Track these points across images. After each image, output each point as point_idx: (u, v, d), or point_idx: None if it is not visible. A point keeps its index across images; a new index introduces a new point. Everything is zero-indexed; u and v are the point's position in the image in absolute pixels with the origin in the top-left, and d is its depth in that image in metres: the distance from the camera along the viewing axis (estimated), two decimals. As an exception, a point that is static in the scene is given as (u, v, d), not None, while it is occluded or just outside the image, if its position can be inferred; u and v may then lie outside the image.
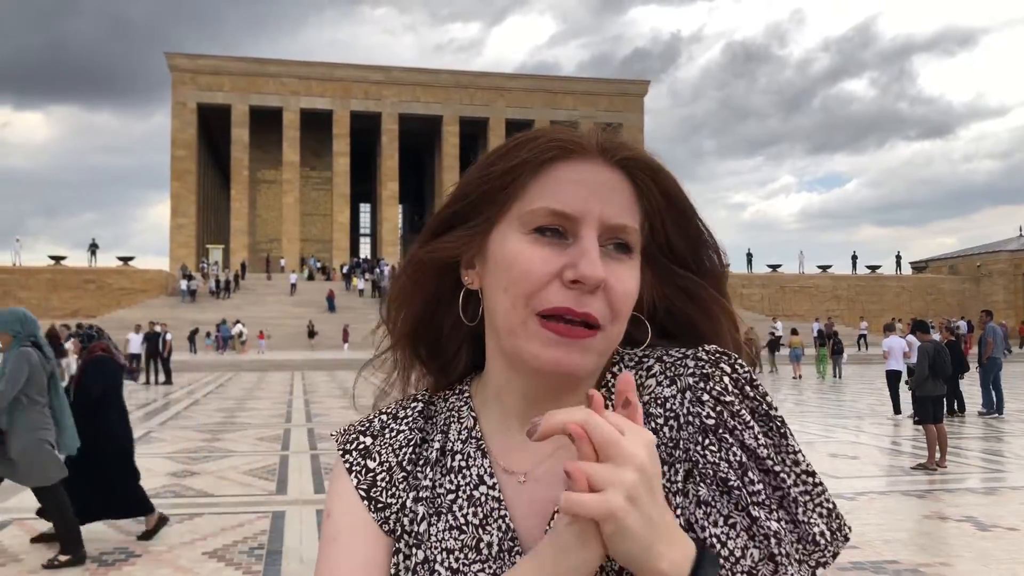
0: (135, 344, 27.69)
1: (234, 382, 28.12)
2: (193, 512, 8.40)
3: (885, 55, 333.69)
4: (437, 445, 0.97)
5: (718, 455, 0.84)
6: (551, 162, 0.90)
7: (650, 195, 0.93)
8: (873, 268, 72.25)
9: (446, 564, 0.89)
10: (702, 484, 0.84)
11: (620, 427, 0.74)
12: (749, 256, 71.91)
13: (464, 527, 0.90)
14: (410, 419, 1.00)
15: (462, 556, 0.89)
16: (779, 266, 69.42)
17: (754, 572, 0.81)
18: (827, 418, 16.97)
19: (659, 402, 0.89)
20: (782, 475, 0.85)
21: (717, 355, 0.89)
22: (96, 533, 7.47)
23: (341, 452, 0.99)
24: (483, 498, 0.91)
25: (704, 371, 0.88)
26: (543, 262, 0.86)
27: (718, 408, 0.86)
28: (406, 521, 0.93)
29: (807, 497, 0.86)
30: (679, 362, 0.91)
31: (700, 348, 0.91)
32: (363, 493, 0.95)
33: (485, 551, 0.88)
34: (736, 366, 0.89)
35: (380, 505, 0.95)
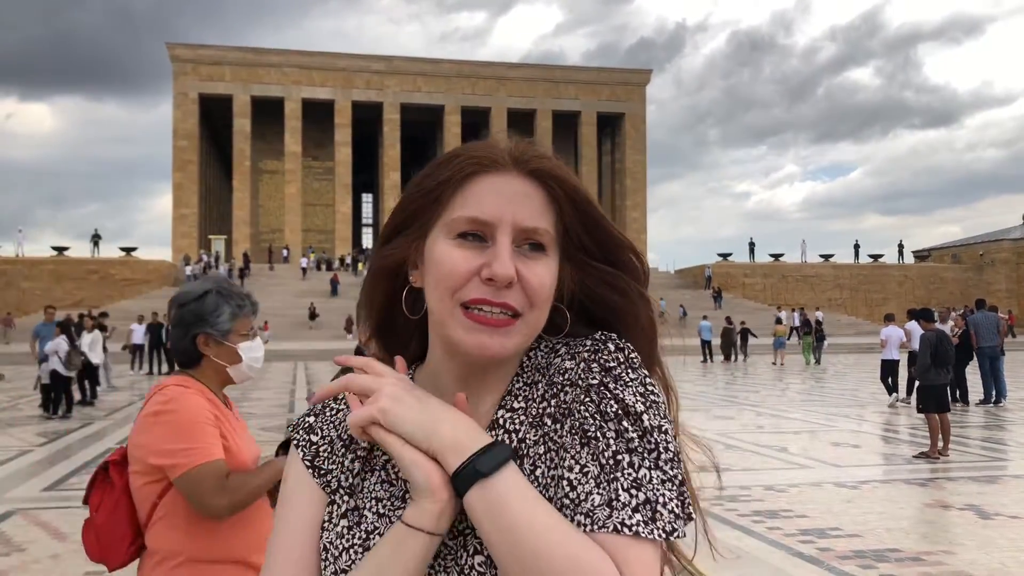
0: (138, 335, 27.75)
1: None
2: (197, 502, 8.41)
3: (891, 43, 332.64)
4: None
5: (591, 408, 0.99)
6: (471, 176, 1.05)
7: (560, 201, 1.06)
8: (875, 257, 72.15)
9: (374, 510, 1.04)
10: (568, 433, 0.99)
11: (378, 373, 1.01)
12: (751, 245, 71.86)
13: (394, 481, 1.05)
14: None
15: (389, 503, 1.04)
16: (781, 255, 69.35)
17: (592, 514, 0.93)
18: (829, 407, 16.98)
19: (561, 372, 1.05)
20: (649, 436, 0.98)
21: (607, 336, 1.06)
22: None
23: (291, 430, 1.15)
24: None
25: (595, 347, 1.04)
26: (464, 261, 1.01)
27: (602, 372, 1.01)
28: (343, 478, 1.08)
29: (671, 469, 0.97)
30: (579, 342, 1.07)
31: (598, 333, 1.07)
32: (308, 463, 1.10)
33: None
34: (624, 347, 1.04)
35: (322, 471, 1.10)
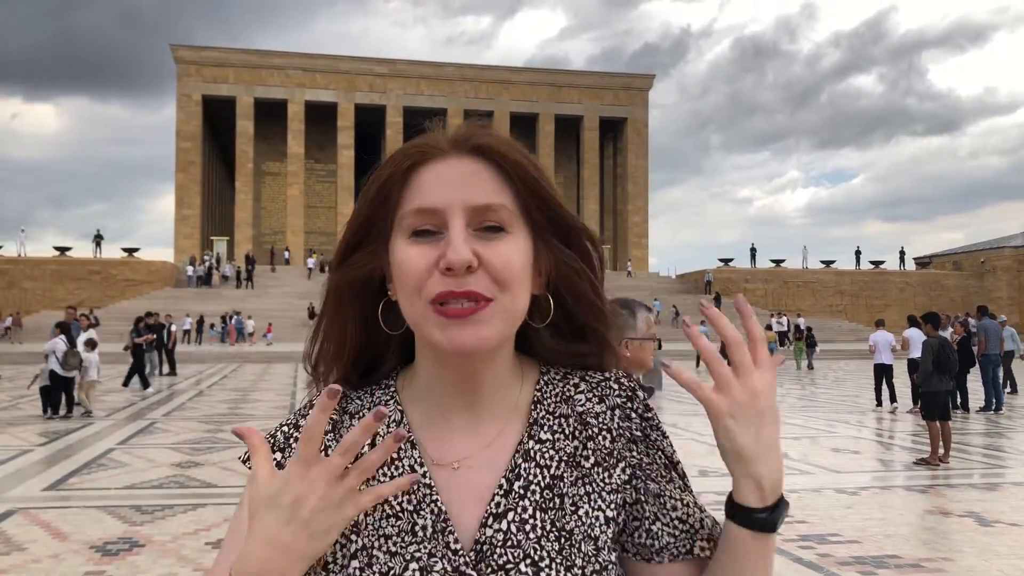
0: None
1: (239, 373, 28.17)
2: (196, 503, 8.43)
3: (895, 50, 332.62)
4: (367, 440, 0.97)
5: (649, 460, 1.03)
6: (413, 168, 1.00)
7: (512, 177, 1.00)
8: (877, 264, 72.07)
9: (384, 548, 0.97)
10: (650, 480, 1.02)
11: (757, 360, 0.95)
12: (752, 251, 71.79)
13: (400, 514, 0.98)
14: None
15: (399, 540, 0.97)
16: (783, 261, 69.28)
17: (673, 548, 1.01)
18: (829, 412, 16.95)
19: (593, 415, 1.04)
20: (686, 479, 1.05)
21: (631, 382, 1.07)
22: (100, 522, 7.51)
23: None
24: (416, 486, 0.99)
25: (626, 394, 1.05)
26: (420, 257, 0.96)
27: (642, 423, 1.04)
28: None
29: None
30: (603, 384, 1.07)
31: (616, 374, 1.08)
32: None
33: (420, 533, 0.97)
34: (640, 391, 1.07)
35: None
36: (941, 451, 10.94)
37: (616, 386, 1.06)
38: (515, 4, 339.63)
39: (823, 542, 6.97)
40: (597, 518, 0.99)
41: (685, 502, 1.02)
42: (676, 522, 1.01)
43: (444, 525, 0.97)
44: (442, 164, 0.99)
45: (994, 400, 17.31)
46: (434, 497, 0.98)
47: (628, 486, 1.01)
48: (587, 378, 1.08)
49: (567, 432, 1.03)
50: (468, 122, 1.06)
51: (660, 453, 1.03)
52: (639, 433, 1.03)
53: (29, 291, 53.90)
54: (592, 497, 1.00)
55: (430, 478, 1.00)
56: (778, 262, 69.08)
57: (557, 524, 0.97)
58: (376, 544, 0.97)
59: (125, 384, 21.57)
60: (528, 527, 0.96)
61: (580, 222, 1.07)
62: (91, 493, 8.99)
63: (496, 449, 1.02)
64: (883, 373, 17.99)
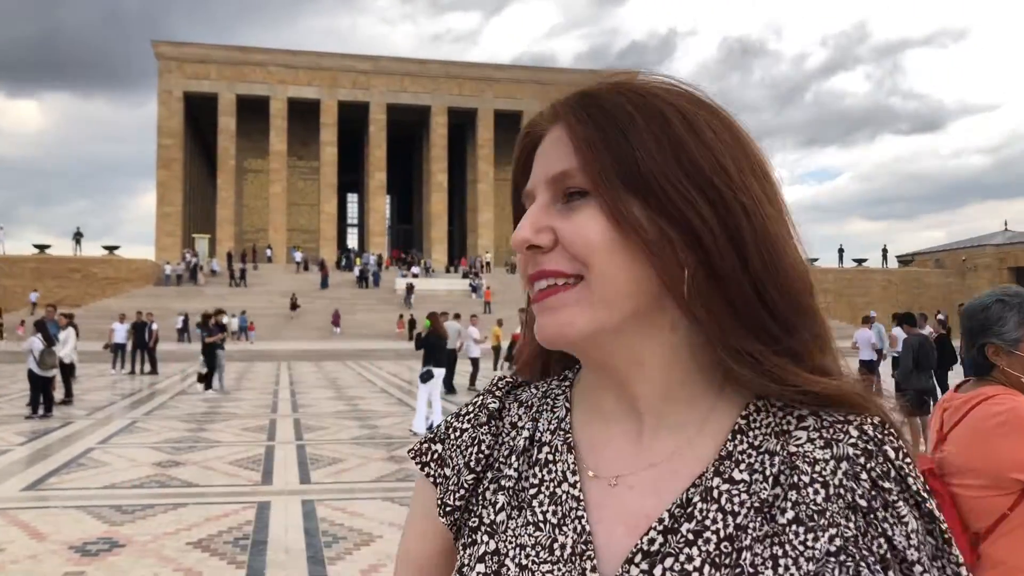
0: (119, 334, 27.53)
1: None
2: (178, 502, 8.36)
3: (879, 49, 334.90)
4: (526, 433, 0.92)
5: (867, 541, 0.77)
6: (530, 149, 0.91)
7: (590, 135, 0.82)
8: (859, 262, 72.57)
9: (516, 560, 0.84)
10: (862, 566, 0.75)
11: None
12: (736, 249, 72.12)
13: (542, 524, 0.85)
14: (471, 415, 0.97)
15: (533, 554, 0.84)
16: (766, 259, 69.58)
17: None
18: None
19: (808, 461, 0.80)
20: None
21: (883, 434, 0.81)
22: (80, 522, 7.44)
23: (419, 466, 0.98)
24: (564, 496, 0.86)
25: (867, 447, 0.80)
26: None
27: (873, 491, 0.78)
28: (485, 515, 0.89)
29: None
30: (837, 425, 0.82)
31: (865, 418, 0.82)
32: (439, 502, 0.94)
33: (558, 552, 0.83)
34: (901, 452, 0.81)
35: (452, 510, 0.92)
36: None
37: (855, 432, 0.81)
38: (502, 1, 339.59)
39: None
40: None
41: None
42: None
43: (585, 548, 0.82)
44: (549, 135, 0.88)
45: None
46: (579, 513, 0.84)
47: (834, 561, 0.76)
48: (821, 412, 0.83)
49: (767, 474, 0.80)
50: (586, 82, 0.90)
51: (880, 540, 0.77)
52: (863, 502, 0.78)
53: (8, 289, 53.38)
54: (781, 563, 0.76)
55: (580, 490, 0.86)
56: (761, 260, 69.39)
57: None
58: (510, 552, 0.85)
59: (208, 387, 19.96)
60: None
61: (720, 173, 0.81)
62: (71, 493, 8.90)
63: (664, 473, 0.84)
64: (868, 370, 18.13)
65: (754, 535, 0.78)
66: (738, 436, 0.83)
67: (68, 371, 17.88)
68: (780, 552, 0.77)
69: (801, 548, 0.76)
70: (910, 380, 11.43)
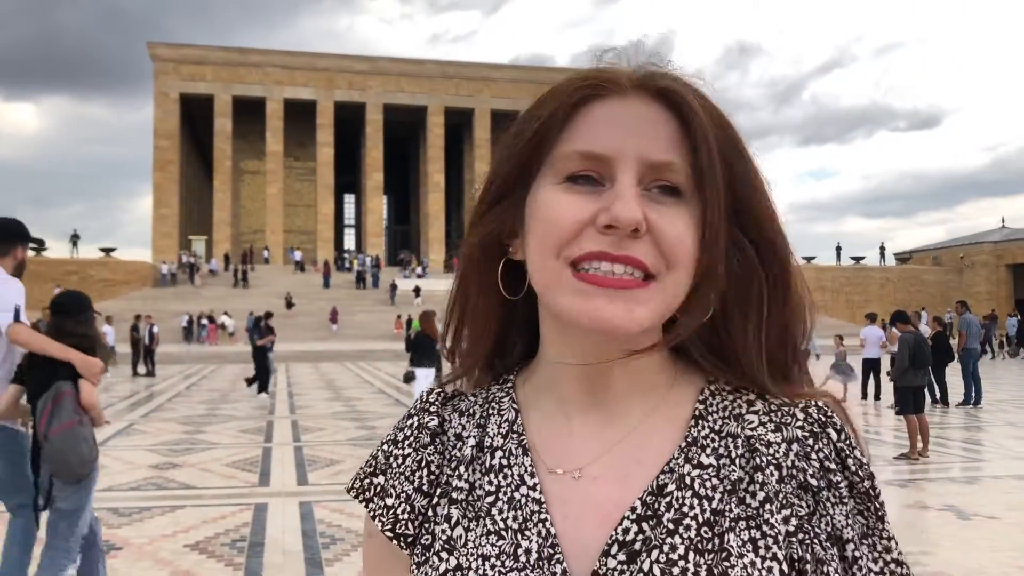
0: (109, 337, 27.47)
1: (218, 374, 27.98)
2: (175, 504, 8.35)
3: (877, 48, 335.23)
4: (472, 441, 0.89)
5: (815, 520, 0.79)
6: (581, 104, 0.82)
7: (696, 135, 0.79)
8: (857, 259, 72.64)
9: (481, 572, 0.81)
10: (816, 545, 0.77)
11: None
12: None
13: (504, 532, 0.82)
14: (411, 438, 0.92)
15: (499, 564, 0.80)
16: (763, 257, 69.69)
17: None
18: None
19: (764, 443, 0.81)
20: (863, 562, 0.79)
21: (827, 416, 0.83)
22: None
23: (365, 504, 0.93)
24: (523, 500, 0.83)
25: (813, 429, 0.82)
26: (573, 207, 0.78)
27: (820, 472, 0.80)
28: (438, 531, 0.86)
29: None
30: (784, 409, 0.84)
31: (808, 403, 0.84)
32: (389, 534, 0.89)
33: (523, 558, 0.80)
34: (843, 433, 0.82)
35: (407, 538, 0.89)
36: (920, 445, 11.02)
37: (801, 415, 0.83)
38: (500, 1, 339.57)
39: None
40: (770, 569, 0.75)
41: None
42: None
43: (552, 552, 0.79)
44: (618, 104, 0.80)
45: (973, 394, 17.50)
46: (543, 516, 0.81)
47: (794, 540, 0.77)
48: (767, 398, 0.85)
49: (733, 457, 0.81)
50: (649, 62, 0.85)
51: (825, 519, 0.78)
52: (814, 482, 0.79)
53: (5, 292, 53.31)
54: (761, 544, 0.76)
55: (541, 491, 0.83)
56: (758, 258, 69.49)
57: (716, 571, 0.75)
58: (472, 565, 0.81)
59: (263, 390, 19.51)
60: (677, 570, 0.75)
61: (778, 221, 0.85)
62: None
63: (629, 461, 0.83)
64: (871, 368, 18.13)
65: (731, 518, 0.78)
66: (700, 421, 0.83)
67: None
68: (758, 535, 0.77)
69: (776, 529, 0.77)
70: (906, 377, 11.44)
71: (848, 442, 0.82)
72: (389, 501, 0.90)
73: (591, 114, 0.81)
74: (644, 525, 0.78)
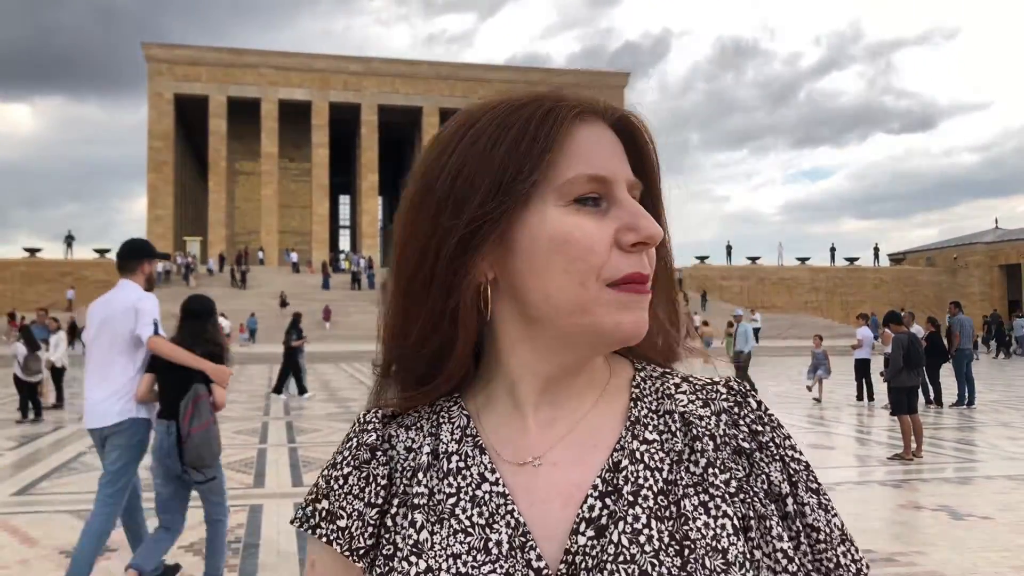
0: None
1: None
2: (169, 506, 8.32)
3: (872, 48, 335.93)
4: (427, 449, 0.91)
5: (752, 479, 0.87)
6: (571, 126, 0.86)
7: (646, 159, 0.92)
8: (851, 260, 72.80)
9: (453, 570, 0.83)
10: (757, 503, 0.86)
11: None
12: (728, 248, 72.28)
13: (470, 529, 0.85)
14: (350, 458, 0.93)
15: (470, 559, 0.83)
16: (758, 258, 69.79)
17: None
18: (804, 408, 17.08)
19: (696, 417, 0.90)
20: (808, 509, 0.87)
21: (745, 388, 0.93)
22: (71, 527, 7.41)
23: (309, 531, 0.92)
24: (486, 496, 0.87)
25: (737, 399, 0.91)
26: (600, 231, 0.84)
27: (750, 436, 0.89)
28: (399, 540, 0.87)
29: (824, 540, 0.87)
30: (708, 387, 0.93)
31: (725, 380, 0.95)
32: (348, 555, 0.89)
33: (495, 550, 0.83)
34: (760, 401, 0.93)
35: (362, 551, 0.89)
36: (914, 446, 11.05)
37: (724, 390, 0.92)
38: (497, 2, 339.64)
39: (798, 538, 7.00)
40: (723, 526, 0.82)
41: (783, 550, 0.84)
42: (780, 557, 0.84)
43: (524, 540, 0.83)
44: (598, 128, 0.88)
45: (966, 395, 17.55)
46: (510, 507, 0.85)
47: (736, 500, 0.85)
48: (690, 379, 0.94)
49: (673, 430, 0.89)
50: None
51: (762, 476, 0.87)
52: (746, 445, 0.88)
53: (-1, 293, 53.17)
54: (711, 505, 0.84)
55: (504, 485, 0.87)
56: (754, 259, 69.60)
57: (677, 536, 0.81)
58: (443, 565, 0.83)
59: (304, 391, 19.62)
60: (643, 538, 0.80)
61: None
62: (62, 497, 8.86)
63: (585, 446, 0.89)
64: (862, 368, 18.24)
65: (683, 485, 0.85)
66: (638, 403, 0.91)
67: (58, 375, 17.82)
68: (706, 498, 0.84)
69: (722, 489, 0.85)
70: (899, 378, 11.47)
71: (765, 408, 0.92)
72: (341, 523, 0.90)
73: (581, 137, 0.86)
74: (607, 500, 0.84)
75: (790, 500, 0.86)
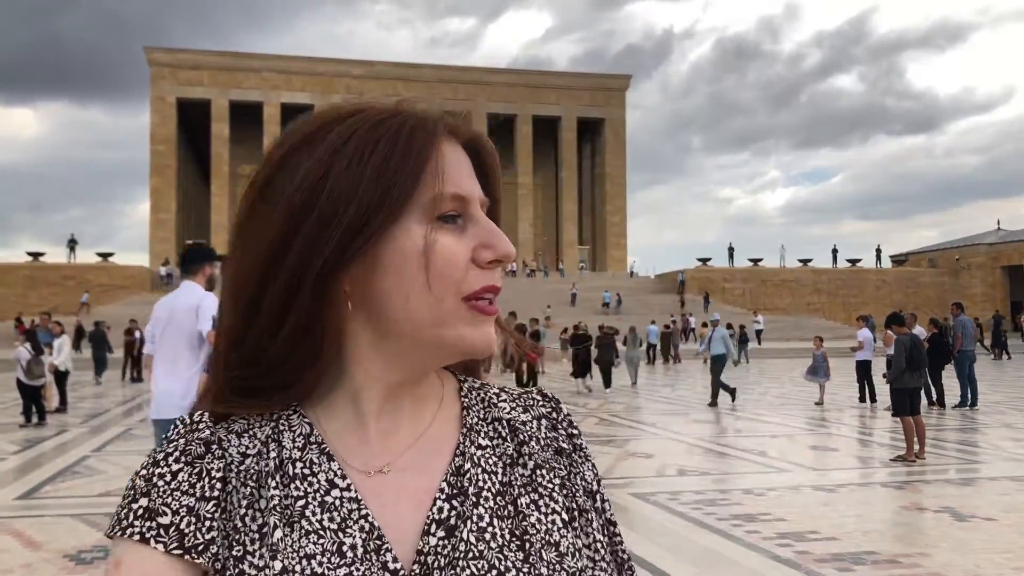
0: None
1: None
2: (173, 509, 8.33)
3: (875, 50, 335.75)
4: (274, 455, 0.88)
5: (572, 477, 0.97)
6: (439, 145, 0.87)
7: (484, 173, 0.94)
8: (853, 262, 72.73)
9: (308, 571, 0.81)
10: (578, 497, 0.96)
11: None
12: (731, 250, 72.24)
13: (322, 532, 0.84)
14: (180, 451, 0.88)
15: (325, 560, 0.82)
16: (761, 260, 69.75)
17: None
18: (807, 410, 17.07)
19: (520, 423, 0.98)
20: (606, 505, 0.99)
21: (554, 397, 1.03)
22: (74, 531, 7.42)
23: (122, 533, 0.84)
24: (337, 502, 0.86)
25: (551, 405, 1.01)
26: (460, 247, 0.86)
27: (567, 438, 0.99)
28: (247, 540, 0.84)
29: (618, 534, 1.00)
30: (524, 395, 1.02)
31: (536, 390, 1.04)
32: (179, 551, 0.83)
33: (349, 554, 0.83)
34: (565, 408, 1.03)
35: (201, 548, 0.84)
36: (917, 447, 11.04)
37: (539, 397, 1.02)
38: (500, 5, 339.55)
39: (801, 539, 7.00)
40: (553, 521, 0.91)
41: (594, 542, 0.95)
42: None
43: (380, 543, 0.84)
44: (454, 146, 0.89)
45: (969, 396, 17.52)
46: (363, 512, 0.86)
47: (562, 496, 0.94)
48: (506, 389, 1.02)
49: (503, 435, 0.96)
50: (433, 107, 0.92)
51: (580, 477, 0.97)
52: (566, 446, 0.98)
53: (2, 297, 53.25)
54: (542, 503, 0.92)
55: (355, 490, 0.87)
56: (756, 261, 69.55)
57: (517, 532, 0.88)
58: (298, 567, 0.82)
59: None
60: (488, 536, 0.86)
61: None
62: (65, 501, 8.87)
63: (428, 453, 0.92)
64: (865, 369, 18.25)
65: (518, 486, 0.92)
66: (469, 411, 0.97)
67: (62, 379, 17.84)
68: (537, 496, 0.93)
69: (550, 486, 0.94)
70: (902, 379, 11.46)
71: (569, 414, 1.02)
72: (164, 520, 0.83)
73: (444, 155, 0.87)
74: (454, 502, 0.89)
75: (598, 497, 0.98)
